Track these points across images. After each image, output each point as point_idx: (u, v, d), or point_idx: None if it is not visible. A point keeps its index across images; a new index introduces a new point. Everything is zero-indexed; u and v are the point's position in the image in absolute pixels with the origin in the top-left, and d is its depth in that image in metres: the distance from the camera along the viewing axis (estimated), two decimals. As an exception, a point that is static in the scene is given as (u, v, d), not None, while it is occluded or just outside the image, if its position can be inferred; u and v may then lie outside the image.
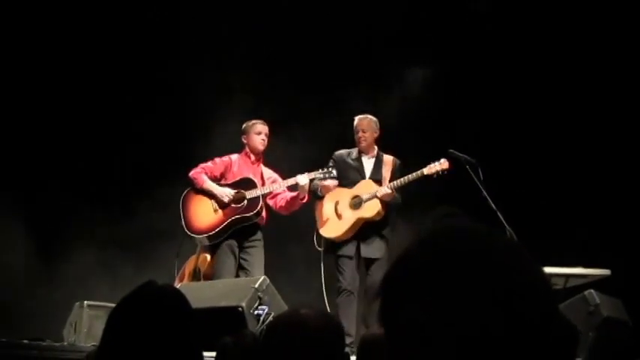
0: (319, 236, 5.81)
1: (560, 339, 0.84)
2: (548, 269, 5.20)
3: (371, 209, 5.67)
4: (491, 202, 5.41)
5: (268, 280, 4.71)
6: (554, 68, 7.24)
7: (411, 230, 5.98)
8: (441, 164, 5.60)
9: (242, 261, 5.65)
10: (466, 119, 7.23)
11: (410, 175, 5.67)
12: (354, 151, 5.93)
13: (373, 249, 5.66)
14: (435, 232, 0.90)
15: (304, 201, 5.72)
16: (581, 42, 7.15)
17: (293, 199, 5.72)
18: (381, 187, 5.69)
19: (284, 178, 5.88)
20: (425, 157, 5.79)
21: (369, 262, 5.66)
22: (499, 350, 0.80)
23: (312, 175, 5.62)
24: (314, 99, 7.36)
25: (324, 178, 5.65)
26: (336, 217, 5.76)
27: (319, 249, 5.81)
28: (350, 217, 5.71)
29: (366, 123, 5.89)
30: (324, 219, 5.81)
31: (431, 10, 7.54)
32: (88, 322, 5.28)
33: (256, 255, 5.68)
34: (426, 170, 5.63)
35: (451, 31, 7.44)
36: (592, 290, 5.05)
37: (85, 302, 5.39)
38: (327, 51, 7.33)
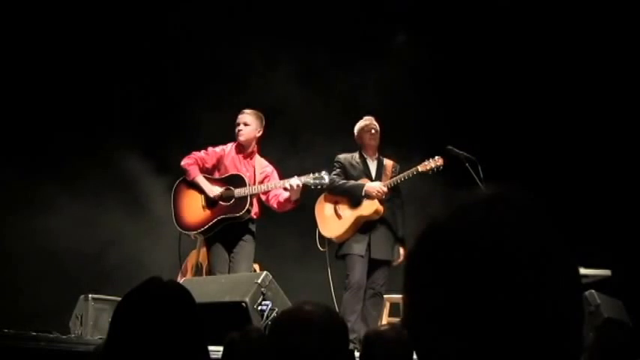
0: (321, 237, 5.86)
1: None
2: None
3: (369, 207, 5.71)
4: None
5: (271, 276, 4.73)
6: (556, 66, 7.24)
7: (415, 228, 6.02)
8: (436, 161, 5.63)
9: (230, 255, 5.66)
10: (466, 115, 7.25)
11: (404, 173, 5.72)
12: (356, 155, 5.98)
13: (383, 250, 5.71)
14: (469, 207, 0.85)
15: (297, 204, 5.67)
16: (582, 36, 7.14)
17: (286, 200, 5.66)
18: (373, 183, 5.75)
19: (278, 170, 5.87)
20: (424, 153, 5.82)
21: (376, 262, 5.71)
22: (517, 339, 0.79)
23: (304, 179, 5.50)
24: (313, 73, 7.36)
25: (316, 184, 5.58)
26: (336, 218, 5.82)
27: (322, 249, 5.86)
28: (349, 216, 5.76)
29: (376, 124, 5.96)
30: (325, 220, 5.86)
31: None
32: (93, 315, 5.29)
33: (244, 250, 5.66)
34: (420, 167, 5.66)
35: (451, 24, 7.44)
36: (593, 291, 5.07)
37: (90, 295, 5.40)
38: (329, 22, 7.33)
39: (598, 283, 5.35)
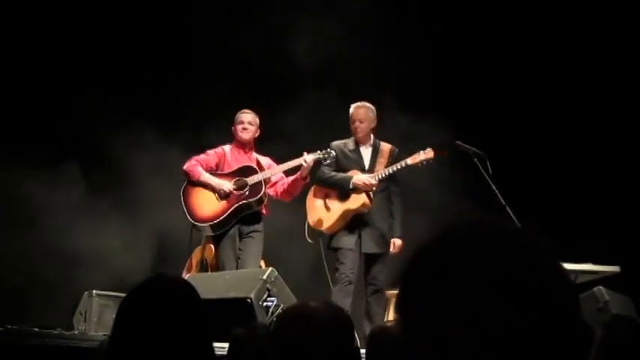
0: (310, 229, 5.80)
1: (577, 338, 0.84)
2: (557, 265, 5.18)
3: (356, 201, 5.61)
4: (500, 197, 5.39)
5: (276, 272, 4.72)
6: (565, 60, 7.19)
7: (424, 224, 6.03)
8: (426, 153, 5.55)
9: (238, 251, 5.66)
10: (474, 111, 7.20)
11: (394, 166, 5.62)
12: (350, 142, 5.83)
13: (373, 244, 5.61)
14: (455, 228, 0.89)
15: (307, 181, 5.67)
16: (581, 32, 7.09)
17: (295, 181, 5.69)
18: (360, 176, 5.62)
19: (278, 163, 5.87)
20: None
21: (369, 257, 5.62)
22: (518, 346, 0.80)
23: (313, 155, 5.57)
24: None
25: (325, 159, 5.58)
26: (325, 210, 5.74)
27: (310, 241, 5.80)
28: (337, 209, 5.68)
29: (363, 112, 5.77)
30: (314, 211, 5.79)
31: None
32: (97, 311, 5.29)
33: (252, 247, 5.67)
34: (409, 160, 5.57)
35: (459, 18, 7.39)
36: (601, 287, 5.02)
37: (94, 291, 5.41)
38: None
39: (607, 280, 5.30)
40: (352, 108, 5.82)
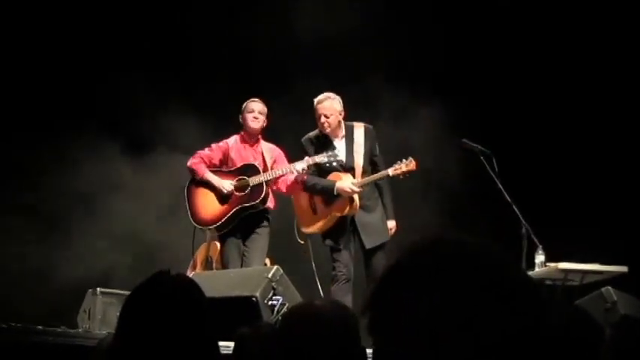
0: (299, 230, 5.72)
1: (582, 337, 0.84)
2: (565, 265, 5.17)
3: (343, 207, 5.49)
4: (506, 195, 5.37)
5: (282, 271, 4.71)
6: (571, 58, 7.16)
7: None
8: (407, 165, 5.38)
9: (243, 248, 5.64)
10: (482, 108, 7.18)
11: (374, 176, 5.51)
12: (322, 137, 5.61)
13: (373, 238, 5.49)
14: (431, 241, 0.90)
15: (305, 184, 5.60)
16: (582, 32, 7.06)
17: (293, 182, 5.64)
18: (344, 183, 5.45)
19: (285, 152, 5.83)
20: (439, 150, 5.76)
21: (368, 251, 5.50)
22: (513, 349, 0.79)
23: (317, 158, 5.44)
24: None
25: (331, 162, 5.42)
26: (312, 212, 5.64)
27: (301, 242, 5.73)
28: (323, 212, 5.57)
29: (328, 106, 5.50)
30: (301, 213, 5.71)
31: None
32: (102, 309, 5.29)
33: (258, 243, 5.64)
34: (391, 172, 5.42)
35: (463, 14, 7.37)
36: (609, 287, 4.99)
37: (98, 289, 5.41)
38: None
39: (614, 280, 5.27)
40: (315, 103, 5.56)
